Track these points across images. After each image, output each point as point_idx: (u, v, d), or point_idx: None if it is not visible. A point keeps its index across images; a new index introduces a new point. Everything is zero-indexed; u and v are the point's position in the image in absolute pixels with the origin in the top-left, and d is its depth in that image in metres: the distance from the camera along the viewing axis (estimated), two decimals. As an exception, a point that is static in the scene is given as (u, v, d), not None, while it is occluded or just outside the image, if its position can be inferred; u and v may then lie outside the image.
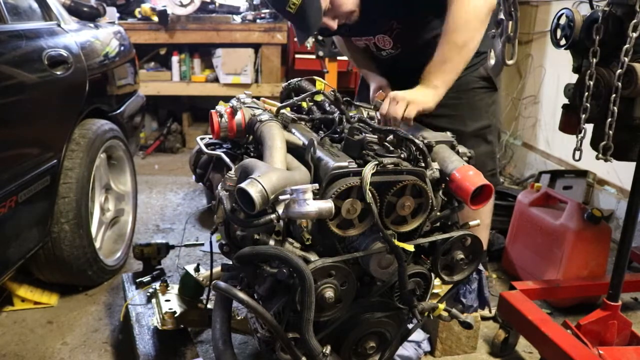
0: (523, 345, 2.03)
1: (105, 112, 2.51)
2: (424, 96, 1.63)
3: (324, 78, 2.04)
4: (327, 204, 1.12)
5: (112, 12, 3.98)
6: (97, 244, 2.33)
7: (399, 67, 1.94)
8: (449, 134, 1.46)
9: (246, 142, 1.55)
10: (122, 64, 2.82)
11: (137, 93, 3.07)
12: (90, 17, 2.79)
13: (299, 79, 1.78)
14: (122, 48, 2.88)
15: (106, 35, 2.76)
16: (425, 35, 1.84)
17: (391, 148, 1.36)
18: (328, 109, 1.63)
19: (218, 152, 1.52)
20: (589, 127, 1.65)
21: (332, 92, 1.56)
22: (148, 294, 1.96)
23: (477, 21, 1.64)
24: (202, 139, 1.64)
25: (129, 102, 2.88)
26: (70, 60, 2.15)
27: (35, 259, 2.12)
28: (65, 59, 2.13)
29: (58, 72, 2.05)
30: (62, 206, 2.09)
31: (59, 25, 2.29)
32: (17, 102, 1.81)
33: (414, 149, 1.31)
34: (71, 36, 2.31)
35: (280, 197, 1.12)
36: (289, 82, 1.80)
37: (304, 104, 1.68)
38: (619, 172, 3.05)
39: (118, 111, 2.67)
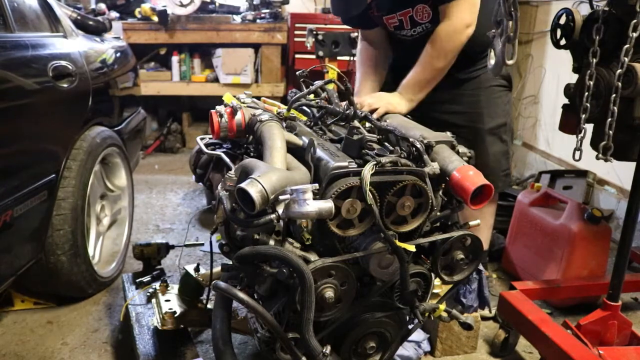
0: (523, 345, 2.03)
1: (106, 126, 2.46)
2: (398, 104, 1.81)
3: (323, 78, 2.04)
4: (327, 204, 1.12)
5: (117, 27, 4.01)
6: (95, 260, 2.30)
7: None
8: (448, 133, 1.46)
9: (246, 142, 1.55)
10: (125, 76, 2.82)
11: (138, 110, 3.05)
12: (96, 31, 2.78)
13: (309, 68, 1.70)
14: (125, 62, 2.88)
15: (110, 50, 2.75)
16: None
17: (391, 147, 1.36)
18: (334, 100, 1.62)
19: (218, 152, 1.52)
20: (589, 127, 1.65)
21: (343, 82, 1.55)
22: (148, 294, 1.96)
23: (456, 51, 1.85)
24: (202, 139, 1.64)
25: (131, 117, 2.86)
26: (74, 73, 2.14)
27: (31, 282, 2.11)
28: (70, 71, 2.11)
29: (63, 85, 2.04)
30: (57, 238, 2.02)
31: (65, 37, 2.28)
32: (20, 114, 1.78)
33: (414, 148, 1.31)
34: (77, 49, 2.30)
35: (280, 197, 1.12)
36: (302, 70, 1.72)
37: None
38: (619, 172, 3.05)
39: (120, 126, 2.64)
